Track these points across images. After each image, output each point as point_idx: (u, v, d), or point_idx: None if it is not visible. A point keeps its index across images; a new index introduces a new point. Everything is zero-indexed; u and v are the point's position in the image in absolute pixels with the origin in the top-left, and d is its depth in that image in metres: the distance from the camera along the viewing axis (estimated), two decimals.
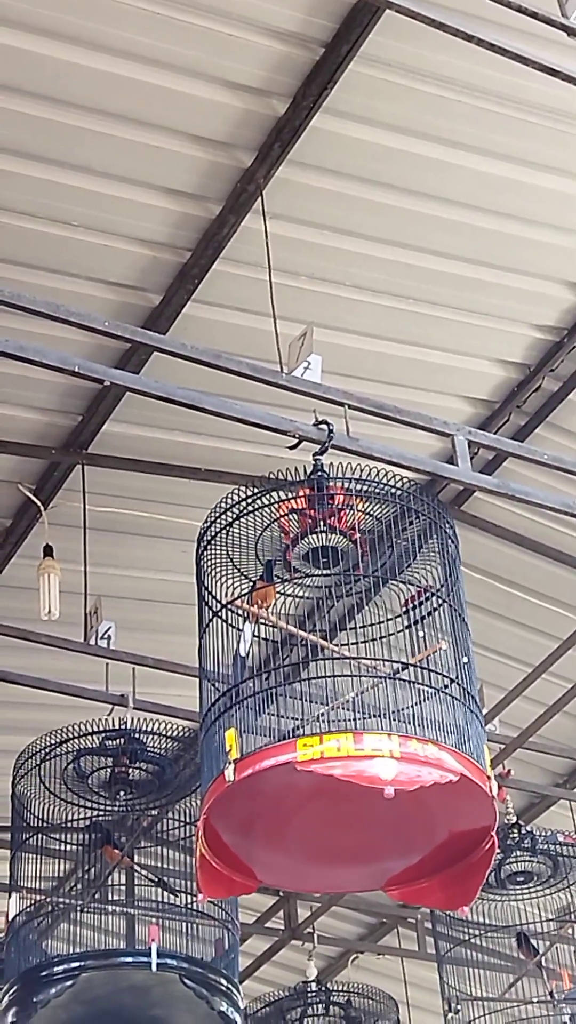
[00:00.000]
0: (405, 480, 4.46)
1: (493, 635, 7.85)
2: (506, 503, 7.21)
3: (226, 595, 4.39)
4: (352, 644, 4.43)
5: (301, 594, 4.51)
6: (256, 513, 4.40)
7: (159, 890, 6.05)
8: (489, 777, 4.08)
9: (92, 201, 5.73)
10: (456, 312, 6.53)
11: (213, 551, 4.43)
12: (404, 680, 4.21)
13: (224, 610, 4.38)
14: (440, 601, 4.39)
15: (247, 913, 8.65)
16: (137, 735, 5.90)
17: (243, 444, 6.69)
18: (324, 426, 4.70)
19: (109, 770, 5.92)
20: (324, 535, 4.42)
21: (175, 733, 5.92)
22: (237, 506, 4.39)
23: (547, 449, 5.94)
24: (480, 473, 5.78)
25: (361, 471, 4.42)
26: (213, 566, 4.43)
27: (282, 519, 4.42)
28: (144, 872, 6.11)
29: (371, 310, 6.41)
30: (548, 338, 6.72)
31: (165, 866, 6.13)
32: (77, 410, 6.62)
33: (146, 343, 4.96)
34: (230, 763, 3.95)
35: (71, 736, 5.80)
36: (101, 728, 5.86)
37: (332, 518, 4.41)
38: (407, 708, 4.11)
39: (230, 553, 4.42)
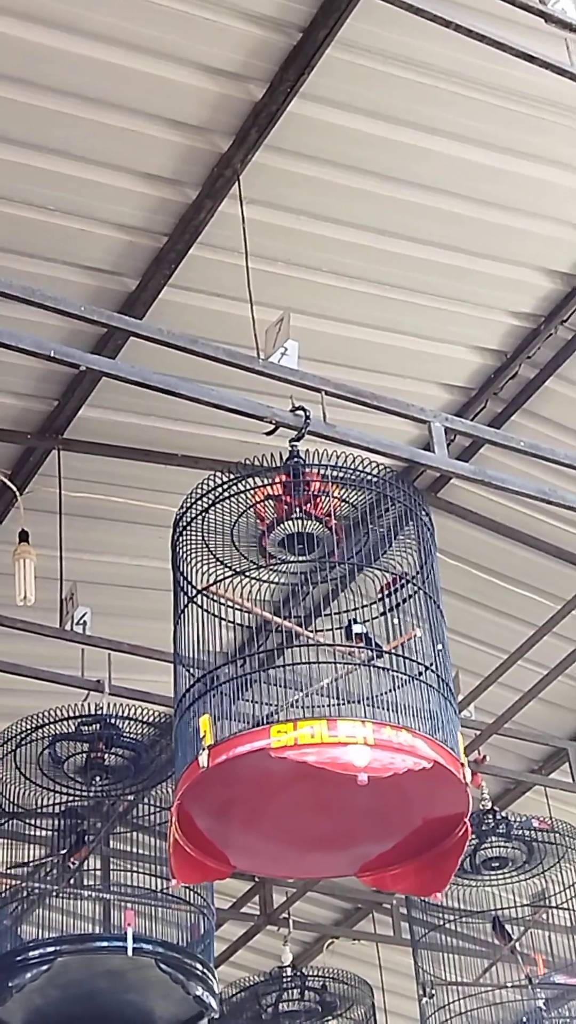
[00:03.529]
0: (381, 467, 4.46)
1: (469, 621, 7.87)
2: (482, 490, 7.22)
3: (201, 581, 4.39)
4: (328, 630, 4.43)
5: (277, 580, 4.51)
6: (232, 499, 4.40)
7: (134, 875, 6.05)
8: (463, 764, 4.09)
9: (68, 185, 5.70)
10: (433, 299, 6.53)
11: (189, 537, 4.42)
12: (379, 667, 4.22)
13: (199, 596, 4.37)
14: (416, 588, 4.40)
15: (223, 898, 8.65)
16: (113, 721, 5.90)
17: (219, 430, 6.68)
18: (301, 412, 4.69)
19: (85, 756, 5.91)
20: (300, 521, 4.42)
21: (151, 719, 5.92)
22: (213, 492, 4.39)
23: (524, 436, 5.94)
24: (457, 460, 5.79)
25: (337, 457, 4.42)
26: (189, 552, 4.43)
27: (258, 505, 4.41)
28: None
29: (348, 296, 6.41)
30: (525, 325, 6.72)
31: (140, 851, 6.13)
32: (53, 395, 6.60)
33: (122, 328, 4.95)
34: (204, 749, 3.95)
35: (46, 721, 5.79)
36: (77, 714, 5.86)
37: (308, 504, 4.41)
38: (382, 695, 4.11)
39: (206, 539, 4.42)
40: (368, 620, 4.41)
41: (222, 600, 4.38)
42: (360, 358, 6.63)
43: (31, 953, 5.60)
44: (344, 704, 4.08)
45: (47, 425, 6.71)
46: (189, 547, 4.42)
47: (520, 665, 7.50)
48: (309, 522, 4.41)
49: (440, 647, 4.29)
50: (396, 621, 4.36)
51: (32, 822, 6.08)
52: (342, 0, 5.15)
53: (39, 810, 6.03)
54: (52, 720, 5.79)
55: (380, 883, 4.55)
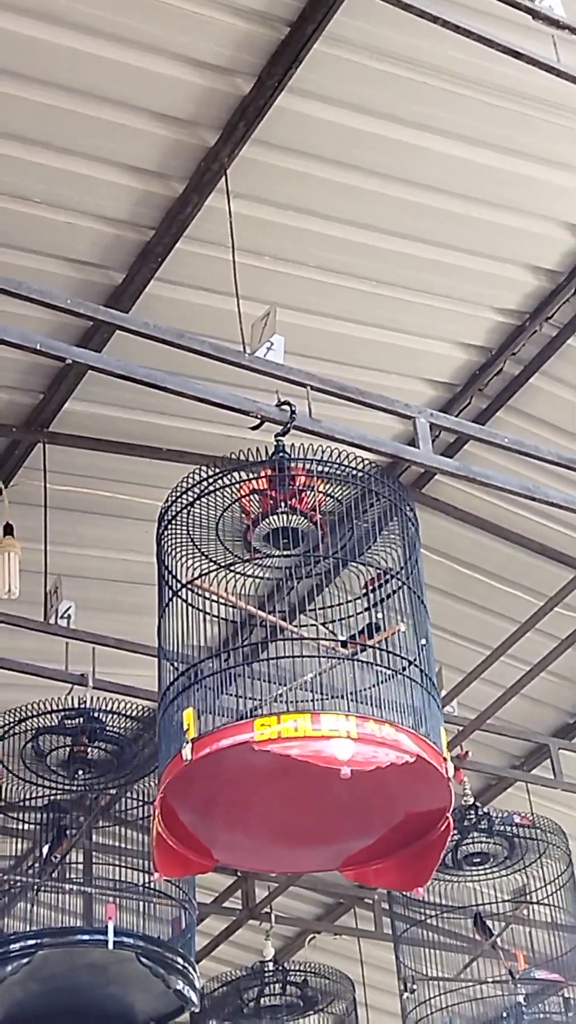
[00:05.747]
0: (366, 462, 4.47)
1: (452, 617, 7.88)
2: (467, 486, 7.23)
3: (186, 575, 4.39)
4: (312, 625, 4.43)
5: (262, 575, 4.51)
6: (217, 493, 4.40)
7: (116, 869, 6.05)
8: (445, 759, 4.10)
9: (54, 178, 5.69)
10: (419, 295, 6.53)
11: (174, 531, 4.42)
12: (363, 661, 4.22)
13: (184, 590, 4.37)
14: (400, 583, 4.41)
15: (205, 892, 8.65)
16: (96, 714, 5.89)
17: (205, 424, 6.67)
18: (286, 407, 4.70)
19: (68, 749, 5.91)
20: (285, 516, 4.42)
21: (134, 713, 5.92)
22: (198, 486, 4.39)
23: (508, 432, 5.96)
24: (441, 456, 5.79)
25: (323, 452, 4.42)
26: (174, 546, 4.43)
27: (243, 500, 4.42)
28: None
29: (335, 291, 6.41)
30: (510, 322, 6.73)
31: (123, 845, 6.13)
32: (38, 388, 6.59)
33: (108, 321, 4.94)
34: (187, 742, 3.96)
35: (30, 715, 5.79)
36: (60, 707, 5.85)
37: (293, 499, 4.41)
38: (366, 689, 4.12)
39: (191, 533, 4.42)
40: (352, 615, 4.41)
41: (207, 594, 4.39)
42: (346, 353, 6.63)
43: (12, 946, 5.59)
44: (328, 698, 4.08)
45: (32, 418, 6.69)
46: (174, 541, 4.42)
47: (503, 661, 7.51)
48: (294, 517, 4.42)
49: (424, 642, 4.30)
50: (380, 616, 4.37)
51: (14, 815, 6.07)
52: None
53: (21, 803, 6.02)
54: (35, 713, 5.79)
55: (362, 878, 4.56)
